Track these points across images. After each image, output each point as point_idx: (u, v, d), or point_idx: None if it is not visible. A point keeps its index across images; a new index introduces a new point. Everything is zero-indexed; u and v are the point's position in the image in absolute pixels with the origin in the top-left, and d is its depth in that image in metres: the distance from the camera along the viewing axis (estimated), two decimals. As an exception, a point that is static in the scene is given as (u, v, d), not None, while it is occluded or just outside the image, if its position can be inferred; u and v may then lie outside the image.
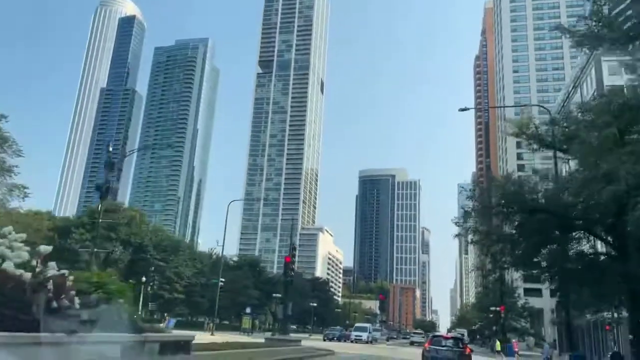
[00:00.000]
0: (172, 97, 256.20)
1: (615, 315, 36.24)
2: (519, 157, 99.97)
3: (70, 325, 6.43)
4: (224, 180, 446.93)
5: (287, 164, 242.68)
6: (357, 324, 71.24)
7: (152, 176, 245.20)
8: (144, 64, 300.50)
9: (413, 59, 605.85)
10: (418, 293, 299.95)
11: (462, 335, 58.11)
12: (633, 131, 17.07)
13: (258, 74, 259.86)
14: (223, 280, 57.64)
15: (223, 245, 59.05)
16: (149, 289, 66.36)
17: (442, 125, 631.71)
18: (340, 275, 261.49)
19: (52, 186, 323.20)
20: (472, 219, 21.42)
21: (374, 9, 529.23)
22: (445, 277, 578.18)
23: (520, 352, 50.39)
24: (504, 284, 59.11)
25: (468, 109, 40.27)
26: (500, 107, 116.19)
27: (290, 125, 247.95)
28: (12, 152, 33.70)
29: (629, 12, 15.48)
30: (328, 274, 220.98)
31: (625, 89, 20.19)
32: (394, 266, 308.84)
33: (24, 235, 7.33)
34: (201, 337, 20.94)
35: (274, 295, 72.13)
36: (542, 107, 54.52)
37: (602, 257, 21.06)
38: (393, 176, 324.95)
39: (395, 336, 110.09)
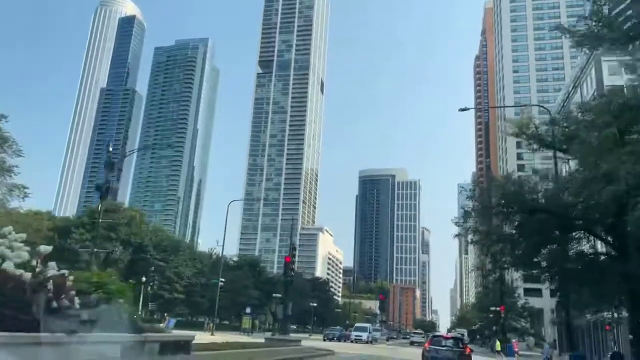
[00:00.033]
0: (172, 97, 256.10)
1: (615, 315, 36.24)
2: (519, 157, 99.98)
3: (70, 325, 6.42)
4: (224, 180, 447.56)
5: (287, 164, 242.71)
6: (357, 324, 71.18)
7: (152, 176, 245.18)
8: (144, 64, 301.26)
9: (413, 59, 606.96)
10: (418, 293, 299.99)
11: (462, 335, 58.08)
12: (633, 131, 17.06)
13: (258, 74, 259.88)
14: (223, 280, 57.65)
15: (223, 245, 59.21)
16: (149, 289, 66.36)
17: (442, 125, 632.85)
18: (340, 275, 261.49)
19: (52, 186, 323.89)
20: (472, 219, 21.43)
21: (374, 9, 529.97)
22: (445, 277, 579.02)
23: (520, 352, 50.36)
24: (504, 284, 59.10)
25: (468, 109, 40.30)
26: (500, 107, 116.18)
27: (290, 125, 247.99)
28: (12, 152, 33.72)
29: (629, 12, 15.48)
30: (328, 274, 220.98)
31: (625, 89, 20.18)
32: (394, 266, 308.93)
33: (24, 235, 7.33)
34: (201, 337, 20.94)
35: (274, 295, 72.16)
36: (542, 107, 54.52)
37: (602, 257, 21.05)
38: (393, 176, 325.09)
39: (395, 336, 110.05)
